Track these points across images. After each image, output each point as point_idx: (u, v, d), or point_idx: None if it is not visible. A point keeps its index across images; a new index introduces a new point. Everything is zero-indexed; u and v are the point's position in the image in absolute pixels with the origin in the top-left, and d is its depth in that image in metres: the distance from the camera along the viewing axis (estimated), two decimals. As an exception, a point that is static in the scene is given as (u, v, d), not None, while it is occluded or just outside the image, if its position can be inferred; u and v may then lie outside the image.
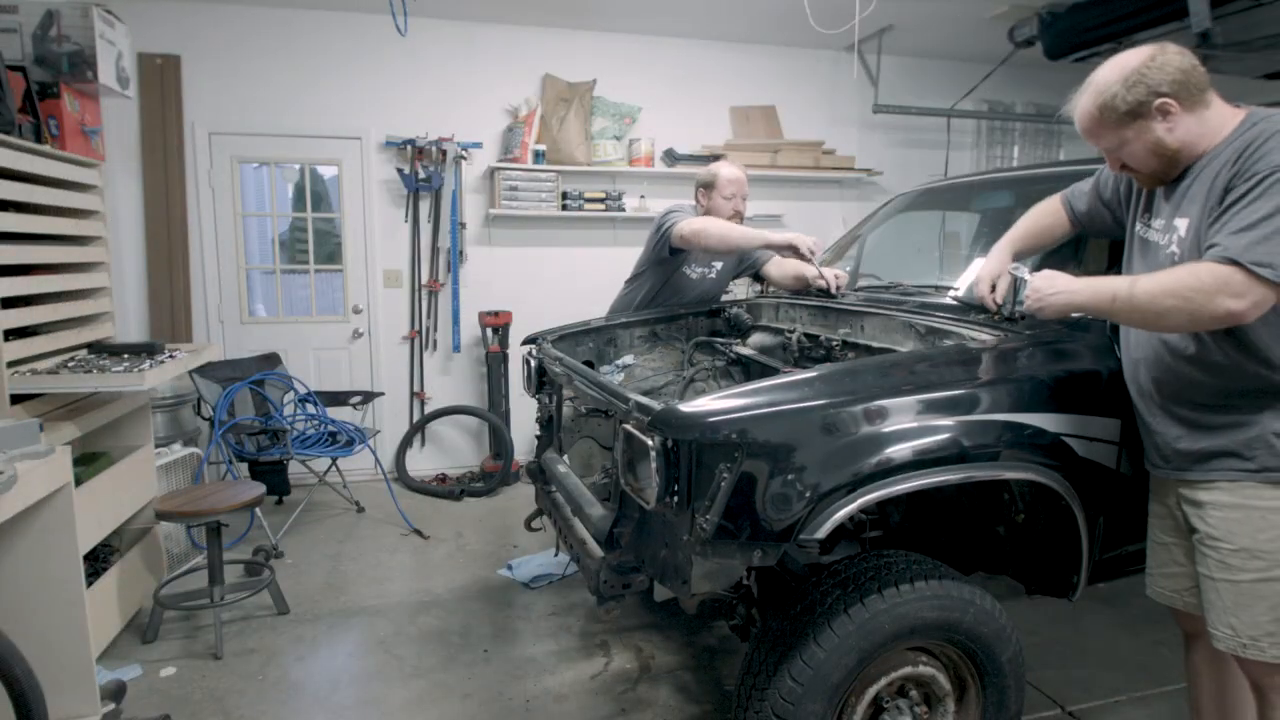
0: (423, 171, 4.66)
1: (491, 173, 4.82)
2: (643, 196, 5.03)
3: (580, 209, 4.89)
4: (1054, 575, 1.92)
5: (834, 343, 2.40)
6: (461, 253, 4.85)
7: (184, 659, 2.71)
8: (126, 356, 2.71)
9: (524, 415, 4.86)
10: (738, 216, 2.98)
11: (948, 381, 1.67)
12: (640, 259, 3.11)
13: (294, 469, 4.30)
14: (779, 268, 3.03)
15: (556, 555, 3.33)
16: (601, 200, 4.92)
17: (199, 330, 4.56)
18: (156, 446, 3.25)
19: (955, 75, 5.47)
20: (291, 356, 4.69)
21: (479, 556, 3.65)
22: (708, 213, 2.97)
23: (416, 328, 4.88)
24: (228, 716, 2.39)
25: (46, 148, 2.63)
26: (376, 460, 4.39)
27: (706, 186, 2.99)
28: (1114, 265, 1.86)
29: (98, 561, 2.76)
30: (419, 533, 3.93)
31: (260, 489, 2.95)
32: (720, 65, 5.22)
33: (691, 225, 2.75)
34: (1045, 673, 2.58)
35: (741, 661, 1.80)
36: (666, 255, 2.94)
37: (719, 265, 3.12)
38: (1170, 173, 1.58)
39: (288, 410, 4.26)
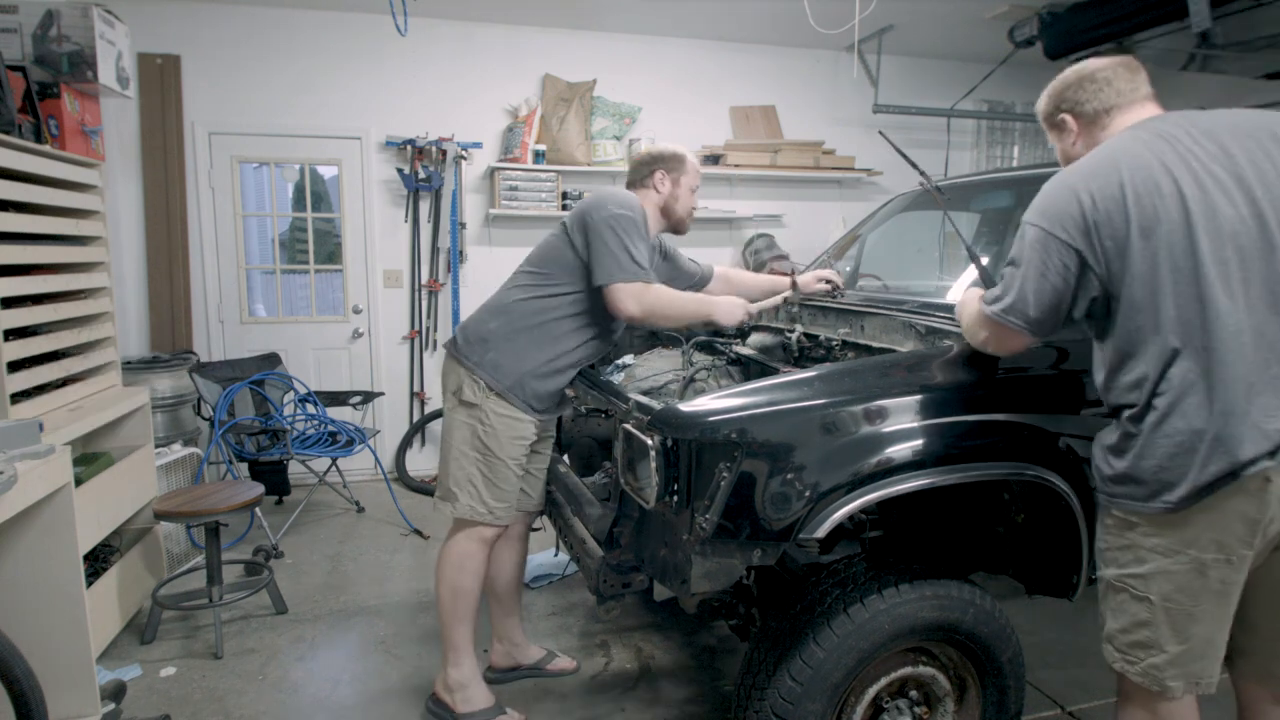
0: (423, 171, 4.66)
1: (491, 173, 4.82)
2: (643, 196, 5.02)
3: (580, 209, 4.88)
4: (1054, 575, 1.92)
5: (834, 343, 2.40)
6: (461, 253, 4.86)
7: (184, 659, 2.71)
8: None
9: (524, 415, 4.86)
10: (691, 213, 2.54)
11: (948, 382, 1.67)
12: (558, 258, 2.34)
13: (294, 469, 4.30)
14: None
15: (556, 555, 3.34)
16: (601, 200, 4.91)
17: (199, 330, 4.56)
18: (156, 446, 3.24)
19: (955, 75, 5.47)
20: (291, 356, 4.69)
21: (479, 556, 3.65)
22: (667, 200, 2.48)
23: (416, 328, 4.88)
24: (228, 716, 2.39)
25: (46, 148, 2.63)
26: (376, 460, 4.40)
27: (671, 169, 2.42)
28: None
29: (98, 561, 2.76)
30: (419, 533, 3.93)
31: (260, 489, 2.95)
32: (720, 65, 5.23)
33: (641, 304, 2.14)
34: (1045, 673, 2.58)
35: (741, 661, 1.80)
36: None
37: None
38: None
39: (288, 410, 4.26)
